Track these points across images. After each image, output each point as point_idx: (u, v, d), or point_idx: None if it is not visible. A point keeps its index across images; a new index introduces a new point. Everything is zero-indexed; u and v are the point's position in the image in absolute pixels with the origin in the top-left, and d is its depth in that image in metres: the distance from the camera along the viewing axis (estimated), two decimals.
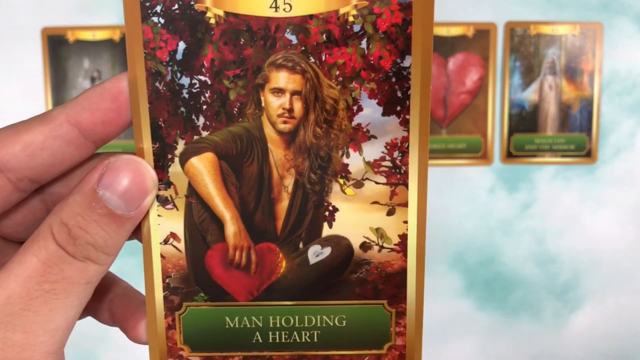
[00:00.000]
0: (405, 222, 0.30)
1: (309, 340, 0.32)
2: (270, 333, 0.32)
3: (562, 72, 0.86)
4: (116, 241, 0.28)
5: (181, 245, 0.31)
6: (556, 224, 0.89)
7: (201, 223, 0.31)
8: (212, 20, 0.29)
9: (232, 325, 0.32)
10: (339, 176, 0.30)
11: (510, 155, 0.87)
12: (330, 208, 0.30)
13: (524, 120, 0.86)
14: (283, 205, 0.31)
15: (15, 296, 0.27)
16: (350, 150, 0.30)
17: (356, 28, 0.29)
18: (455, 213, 0.88)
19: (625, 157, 0.88)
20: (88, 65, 0.84)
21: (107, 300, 0.35)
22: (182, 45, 0.29)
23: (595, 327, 0.90)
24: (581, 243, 0.89)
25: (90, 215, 0.28)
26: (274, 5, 0.29)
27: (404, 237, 0.30)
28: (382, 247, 0.30)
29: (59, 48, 0.83)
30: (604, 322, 0.90)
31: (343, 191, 0.30)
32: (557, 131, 0.87)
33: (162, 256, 0.31)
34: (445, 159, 0.86)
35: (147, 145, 0.30)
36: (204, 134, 0.30)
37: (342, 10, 0.29)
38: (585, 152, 0.87)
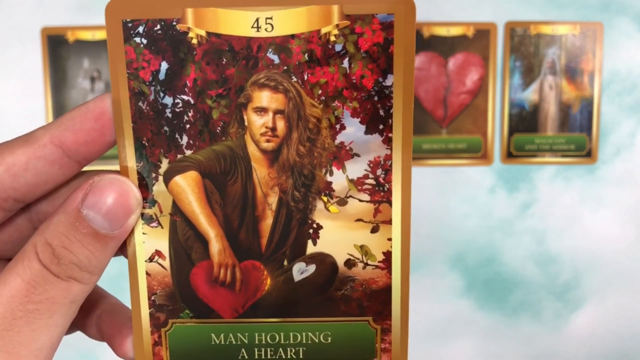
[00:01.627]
0: (389, 239, 0.30)
1: (294, 356, 0.32)
2: (256, 350, 0.32)
3: (562, 72, 0.86)
4: (100, 260, 0.28)
5: (166, 263, 0.31)
6: (556, 224, 0.89)
7: (186, 241, 0.31)
8: (194, 41, 0.29)
9: (217, 342, 0.32)
10: (323, 194, 0.30)
11: (510, 155, 0.87)
12: (315, 226, 0.30)
13: (524, 120, 0.86)
14: (267, 223, 0.31)
15: None
16: (334, 169, 0.30)
17: (338, 47, 0.29)
18: (455, 213, 0.88)
19: (625, 157, 0.88)
20: (88, 65, 0.84)
21: (94, 316, 0.35)
22: (164, 65, 0.29)
23: (595, 327, 0.90)
24: (581, 243, 0.89)
25: (75, 235, 0.28)
26: (255, 25, 0.29)
27: (388, 255, 0.30)
28: (366, 264, 0.30)
29: (58, 48, 0.84)
30: (604, 323, 0.90)
31: (327, 209, 0.30)
32: (557, 131, 0.86)
33: (147, 273, 0.31)
34: (446, 159, 0.86)
35: (131, 164, 0.30)
36: (188, 152, 0.30)
37: (323, 30, 0.29)
38: (585, 152, 0.87)
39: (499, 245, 0.89)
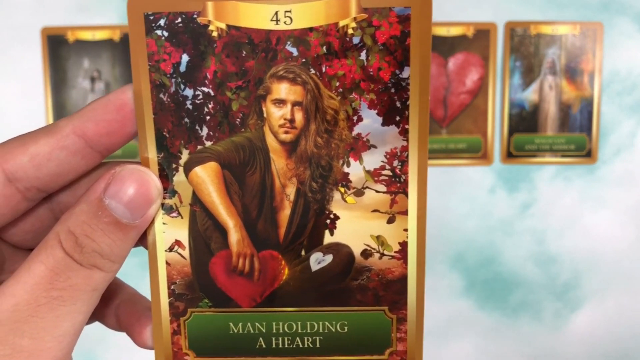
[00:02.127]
0: (405, 229, 0.31)
1: (311, 345, 0.32)
2: (274, 339, 0.32)
3: (562, 72, 0.86)
4: (122, 249, 0.29)
5: (186, 253, 0.32)
6: (556, 224, 0.89)
7: (205, 231, 0.32)
8: (215, 33, 0.30)
9: (235, 331, 0.33)
10: (340, 185, 0.30)
11: (510, 155, 0.87)
12: (332, 216, 0.31)
13: (524, 120, 0.86)
14: (285, 213, 0.31)
15: (23, 303, 0.28)
16: (351, 160, 0.30)
17: (355, 40, 0.29)
18: (455, 213, 0.88)
19: (625, 157, 0.88)
20: (88, 65, 0.84)
21: (113, 306, 0.36)
22: (185, 58, 0.30)
23: (595, 327, 0.90)
24: (581, 243, 0.89)
25: (97, 224, 0.28)
26: (274, 18, 0.29)
27: (404, 245, 0.31)
28: (382, 254, 0.31)
29: (58, 48, 0.83)
30: (604, 322, 0.90)
31: (344, 199, 0.31)
32: (557, 131, 0.87)
33: (167, 263, 0.32)
34: (446, 159, 0.86)
35: (152, 155, 0.31)
36: (208, 144, 0.31)
37: (341, 23, 0.29)
38: (585, 152, 0.87)
39: (499, 245, 0.89)
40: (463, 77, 0.86)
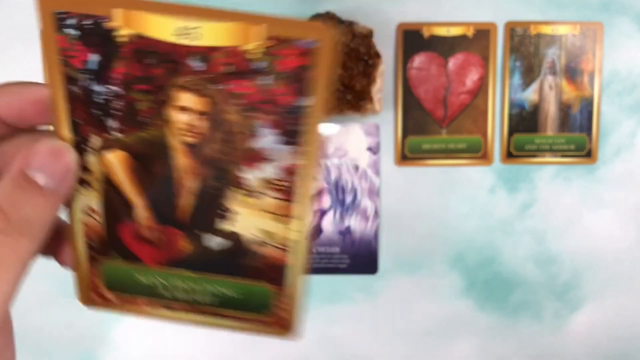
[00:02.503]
0: (289, 229, 0.37)
1: (206, 301, 0.39)
2: (174, 290, 0.39)
3: (562, 72, 0.86)
4: (47, 216, 0.32)
5: (99, 219, 0.37)
6: (556, 224, 0.89)
7: (115, 204, 0.37)
8: (124, 39, 0.32)
9: (140, 280, 0.39)
10: (236, 188, 0.36)
11: (510, 155, 0.87)
12: (228, 211, 0.37)
13: (524, 120, 0.86)
14: (187, 203, 0.37)
15: None
16: (247, 168, 0.35)
17: (260, 65, 0.32)
18: (455, 213, 0.88)
19: (625, 157, 0.88)
20: None
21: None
22: (95, 57, 0.33)
23: (595, 327, 0.90)
24: (581, 243, 0.89)
25: (23, 195, 0.31)
26: (181, 33, 0.32)
27: (288, 240, 0.37)
28: (270, 244, 0.37)
29: None
30: (605, 322, 0.90)
31: (238, 199, 0.36)
32: (557, 131, 0.87)
33: (84, 224, 0.37)
34: (445, 159, 0.86)
35: (67, 136, 0.35)
36: (117, 135, 0.35)
37: (247, 47, 0.32)
38: (585, 152, 0.87)
39: (499, 245, 0.89)
40: (463, 77, 0.86)
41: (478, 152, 0.86)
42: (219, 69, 0.33)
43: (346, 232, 0.87)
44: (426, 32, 0.85)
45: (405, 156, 0.87)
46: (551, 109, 0.86)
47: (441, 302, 0.89)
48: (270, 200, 0.36)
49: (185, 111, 0.34)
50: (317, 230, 0.87)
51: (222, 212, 0.37)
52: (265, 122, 0.34)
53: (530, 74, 0.86)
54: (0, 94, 0.33)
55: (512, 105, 0.86)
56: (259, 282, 0.39)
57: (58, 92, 0.34)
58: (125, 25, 0.32)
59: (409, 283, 0.88)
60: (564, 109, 0.86)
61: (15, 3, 0.84)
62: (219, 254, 0.38)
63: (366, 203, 0.87)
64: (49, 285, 0.87)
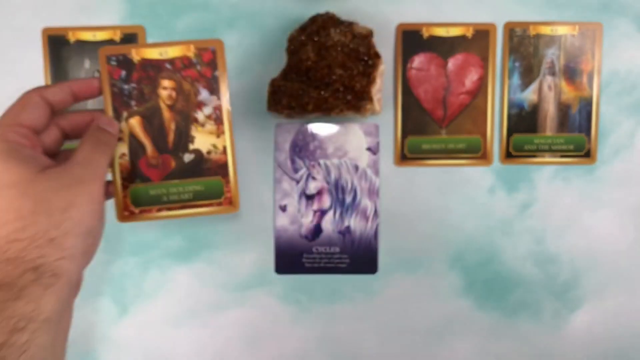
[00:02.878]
0: (224, 141, 0.69)
1: (188, 197, 0.69)
2: (170, 195, 0.69)
3: (561, 73, 0.86)
4: (114, 143, 0.66)
5: (127, 159, 0.68)
6: (556, 224, 0.89)
7: (136, 149, 0.68)
8: (136, 61, 0.68)
9: (151, 193, 0.68)
10: (194, 123, 0.69)
11: (509, 155, 0.87)
12: (193, 136, 0.69)
13: (523, 121, 0.87)
14: (171, 137, 0.68)
15: (84, 162, 0.59)
16: (198, 111, 0.69)
17: (195, 60, 0.68)
18: (454, 213, 0.88)
19: (624, 157, 0.88)
20: (89, 66, 0.84)
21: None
22: (123, 73, 0.68)
23: (594, 326, 0.90)
24: (581, 243, 0.89)
25: (103, 132, 0.64)
26: (160, 54, 0.68)
27: (225, 148, 0.69)
28: (215, 152, 0.69)
29: (59, 48, 0.84)
30: (604, 322, 0.90)
31: (196, 129, 0.69)
32: (556, 131, 0.87)
33: (119, 164, 0.68)
34: (445, 159, 0.87)
35: (110, 113, 0.67)
36: (135, 108, 0.68)
37: (188, 54, 0.68)
38: (584, 152, 0.87)
39: (498, 245, 0.89)
40: (462, 78, 0.86)
41: (477, 152, 0.87)
42: (179, 66, 0.68)
43: (346, 232, 0.87)
44: (426, 33, 0.85)
45: (405, 156, 0.87)
46: (550, 109, 0.87)
47: (441, 302, 0.89)
48: (210, 126, 0.69)
49: (165, 89, 0.68)
50: (317, 230, 0.87)
51: (188, 138, 0.68)
52: (201, 86, 0.68)
53: (529, 74, 0.86)
54: (75, 81, 0.65)
55: (511, 105, 0.87)
56: (215, 177, 0.69)
57: (107, 92, 0.67)
58: (136, 55, 0.68)
59: (408, 283, 0.89)
60: (563, 109, 0.87)
61: (16, 4, 0.84)
62: (190, 164, 0.69)
63: (366, 203, 0.87)
64: None
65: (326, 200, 0.87)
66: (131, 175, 0.67)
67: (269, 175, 0.87)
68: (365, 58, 0.80)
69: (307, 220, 0.87)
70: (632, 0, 0.86)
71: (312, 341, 0.90)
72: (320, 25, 0.80)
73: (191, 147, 0.68)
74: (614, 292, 0.90)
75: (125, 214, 0.67)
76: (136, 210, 0.68)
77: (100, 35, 0.83)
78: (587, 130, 0.87)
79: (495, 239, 0.89)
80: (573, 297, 0.90)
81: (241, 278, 0.89)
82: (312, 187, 0.87)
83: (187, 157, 0.68)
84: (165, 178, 0.68)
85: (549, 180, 0.88)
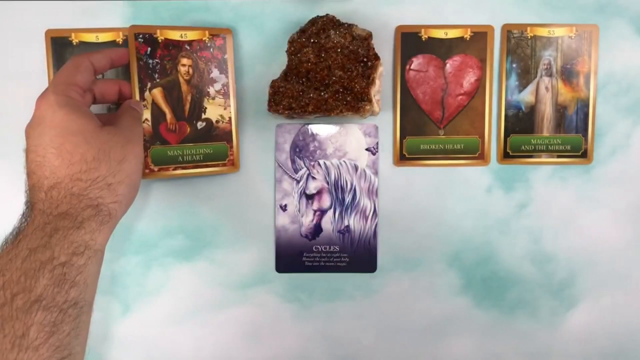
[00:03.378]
0: (230, 112, 0.83)
1: (199, 158, 0.81)
2: (185, 156, 0.80)
3: (558, 74, 0.87)
4: (142, 118, 0.77)
5: (149, 124, 0.79)
6: (552, 223, 0.90)
7: (157, 115, 0.79)
8: (160, 40, 0.79)
9: (170, 154, 0.80)
10: (207, 97, 0.81)
11: (507, 155, 0.88)
12: (205, 107, 0.81)
13: (521, 121, 0.88)
14: (187, 107, 0.80)
15: (125, 129, 0.70)
16: (210, 87, 0.82)
17: (208, 44, 0.81)
18: (452, 213, 0.89)
19: (620, 158, 0.89)
20: None
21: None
22: (149, 49, 0.79)
23: (591, 325, 0.91)
24: (577, 242, 0.90)
25: (135, 110, 0.75)
26: (180, 36, 0.80)
27: (230, 118, 0.83)
28: (222, 121, 0.83)
29: (62, 49, 0.85)
30: (600, 320, 0.91)
31: (208, 101, 0.81)
32: (553, 132, 0.88)
33: (143, 127, 0.76)
34: (443, 159, 0.87)
35: (137, 84, 0.78)
36: (157, 81, 0.78)
37: (204, 38, 0.81)
38: (581, 152, 0.88)
39: (495, 244, 0.90)
40: (460, 79, 0.87)
41: (475, 153, 0.87)
42: (195, 47, 0.80)
43: (345, 231, 0.88)
44: (424, 35, 0.86)
45: (404, 156, 0.88)
46: (547, 110, 0.87)
47: (439, 300, 0.90)
48: (219, 100, 0.82)
49: (184, 66, 0.80)
50: (317, 229, 0.88)
51: (201, 109, 0.81)
52: (213, 66, 0.81)
53: (526, 75, 0.87)
54: (114, 50, 0.77)
55: (508, 106, 0.87)
56: (221, 142, 0.82)
57: (134, 65, 0.78)
58: (160, 35, 0.79)
59: (407, 281, 0.89)
60: (560, 110, 0.87)
61: (20, 6, 0.85)
62: (202, 131, 0.81)
63: (365, 202, 0.88)
64: None
65: (326, 200, 0.88)
66: (152, 137, 0.79)
67: (270, 175, 0.87)
68: (365, 60, 0.81)
69: (307, 220, 0.88)
70: (629, 2, 0.87)
71: (312, 339, 0.91)
72: (320, 28, 0.81)
73: (203, 116, 0.81)
74: (610, 290, 0.91)
75: (147, 172, 0.78)
76: (155, 169, 0.79)
77: (103, 37, 0.84)
78: (584, 131, 0.88)
79: (492, 238, 0.90)
80: (570, 296, 0.91)
81: (242, 276, 0.90)
82: (312, 187, 0.87)
83: (200, 125, 0.81)
84: (181, 142, 0.80)
85: (546, 180, 0.89)
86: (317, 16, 0.82)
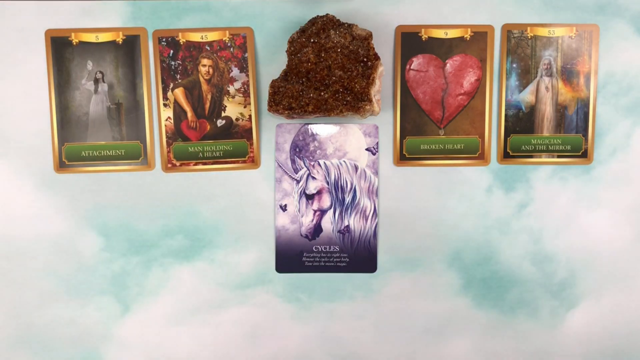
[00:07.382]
0: (250, 111, 0.86)
1: (219, 154, 0.86)
2: (205, 153, 0.85)
3: (558, 74, 0.87)
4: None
5: (171, 122, 0.85)
6: (552, 223, 0.90)
7: (179, 113, 0.84)
8: (181, 42, 0.85)
9: (190, 150, 0.85)
10: (227, 95, 0.84)
11: (507, 155, 0.88)
12: (225, 105, 0.85)
13: (521, 121, 0.87)
14: (207, 105, 0.84)
15: None
16: (230, 85, 0.85)
17: (229, 44, 0.84)
18: (452, 212, 0.89)
19: (621, 158, 0.89)
20: (91, 67, 0.85)
21: None
22: (171, 51, 0.85)
23: (591, 325, 0.91)
24: (577, 242, 0.90)
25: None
26: (201, 37, 0.85)
27: (250, 116, 0.86)
28: (242, 119, 0.86)
29: (62, 49, 0.85)
30: (600, 320, 0.91)
31: (228, 100, 0.85)
32: (553, 132, 0.87)
33: (165, 125, 0.85)
34: (443, 159, 0.87)
35: (159, 88, 0.85)
36: (179, 81, 0.83)
37: (224, 39, 0.84)
38: (581, 152, 0.88)
39: (495, 244, 0.90)
40: (460, 79, 0.87)
41: (475, 153, 0.87)
42: (216, 48, 0.84)
43: (345, 231, 0.88)
44: (424, 35, 0.86)
45: (404, 156, 0.88)
46: (547, 110, 0.87)
47: (439, 300, 0.90)
48: (239, 98, 0.85)
49: (204, 66, 0.84)
50: (317, 229, 0.88)
51: (221, 107, 0.84)
52: (233, 65, 0.84)
53: (526, 75, 0.87)
54: None
55: (508, 106, 0.87)
56: (241, 140, 0.85)
57: (158, 67, 0.84)
58: (182, 37, 0.84)
59: (407, 281, 0.89)
60: (560, 110, 0.87)
61: (20, 6, 0.85)
62: (222, 128, 0.85)
63: (365, 202, 0.88)
64: (52, 283, 0.88)
65: (326, 200, 0.88)
66: (174, 134, 0.85)
67: (270, 175, 0.87)
68: (365, 59, 0.81)
69: (307, 220, 0.88)
70: (629, 2, 0.87)
71: (312, 338, 0.91)
72: (320, 28, 0.81)
73: (223, 114, 0.85)
74: (610, 290, 0.91)
75: (169, 166, 0.85)
76: (177, 163, 0.85)
77: (103, 37, 0.84)
78: (584, 131, 0.88)
79: (492, 238, 0.90)
80: (570, 296, 0.91)
81: (242, 276, 0.89)
82: (312, 187, 0.87)
83: (220, 122, 0.85)
84: (202, 139, 0.85)
85: (546, 180, 0.89)
86: (317, 16, 0.82)
